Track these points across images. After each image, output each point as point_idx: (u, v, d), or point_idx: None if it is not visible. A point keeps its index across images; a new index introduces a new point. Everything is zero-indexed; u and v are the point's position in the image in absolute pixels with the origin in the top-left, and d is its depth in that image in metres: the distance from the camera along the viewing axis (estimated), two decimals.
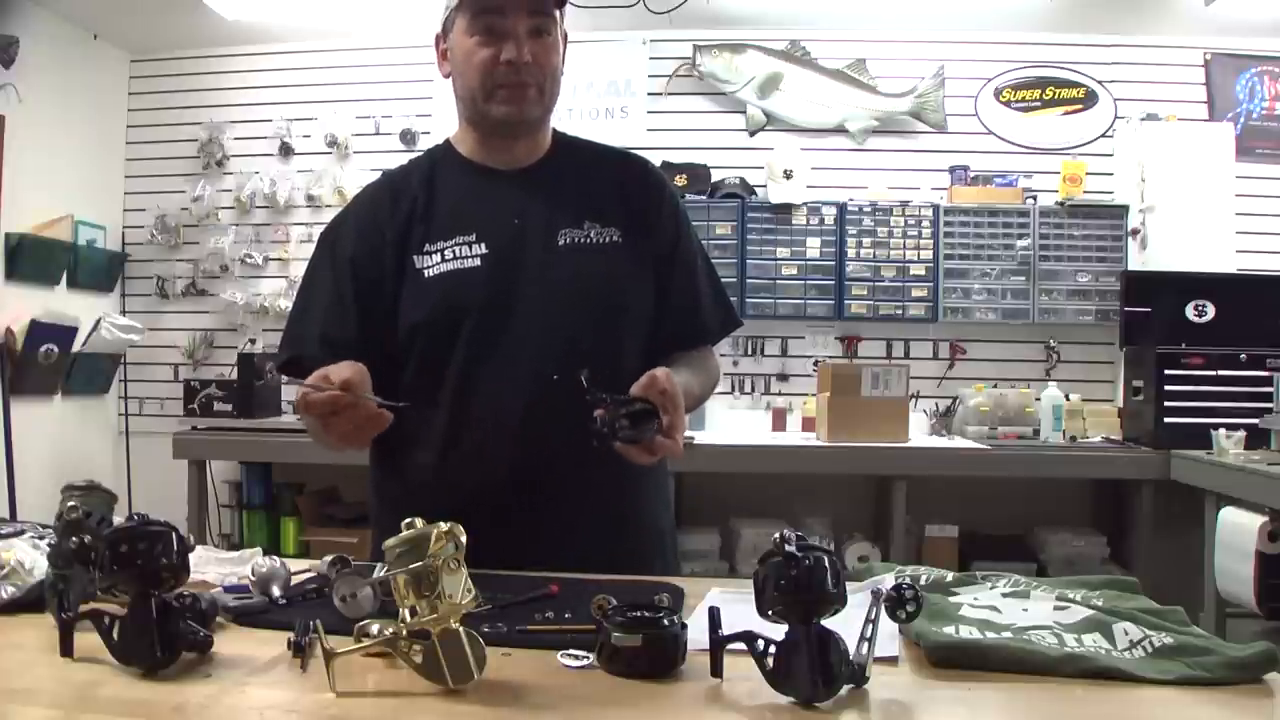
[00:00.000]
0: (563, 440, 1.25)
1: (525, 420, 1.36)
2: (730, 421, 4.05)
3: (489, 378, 1.38)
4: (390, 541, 0.90)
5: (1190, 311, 3.69)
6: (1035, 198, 4.06)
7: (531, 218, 1.44)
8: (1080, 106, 4.14)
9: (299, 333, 1.49)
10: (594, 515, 1.40)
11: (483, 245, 1.41)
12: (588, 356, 1.34)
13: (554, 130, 1.54)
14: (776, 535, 0.88)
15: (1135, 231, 3.92)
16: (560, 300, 1.41)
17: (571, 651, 0.96)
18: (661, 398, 1.23)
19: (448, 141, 1.55)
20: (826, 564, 0.86)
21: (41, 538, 1.24)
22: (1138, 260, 3.91)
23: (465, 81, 1.43)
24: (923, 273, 4.04)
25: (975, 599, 1.11)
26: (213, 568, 1.28)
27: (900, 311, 4.05)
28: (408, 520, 0.90)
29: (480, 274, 1.40)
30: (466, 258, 1.41)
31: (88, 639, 0.93)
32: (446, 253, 1.41)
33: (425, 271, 1.41)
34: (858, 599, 0.92)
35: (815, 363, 4.03)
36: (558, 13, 1.42)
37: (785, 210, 4.05)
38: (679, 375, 1.37)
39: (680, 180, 3.98)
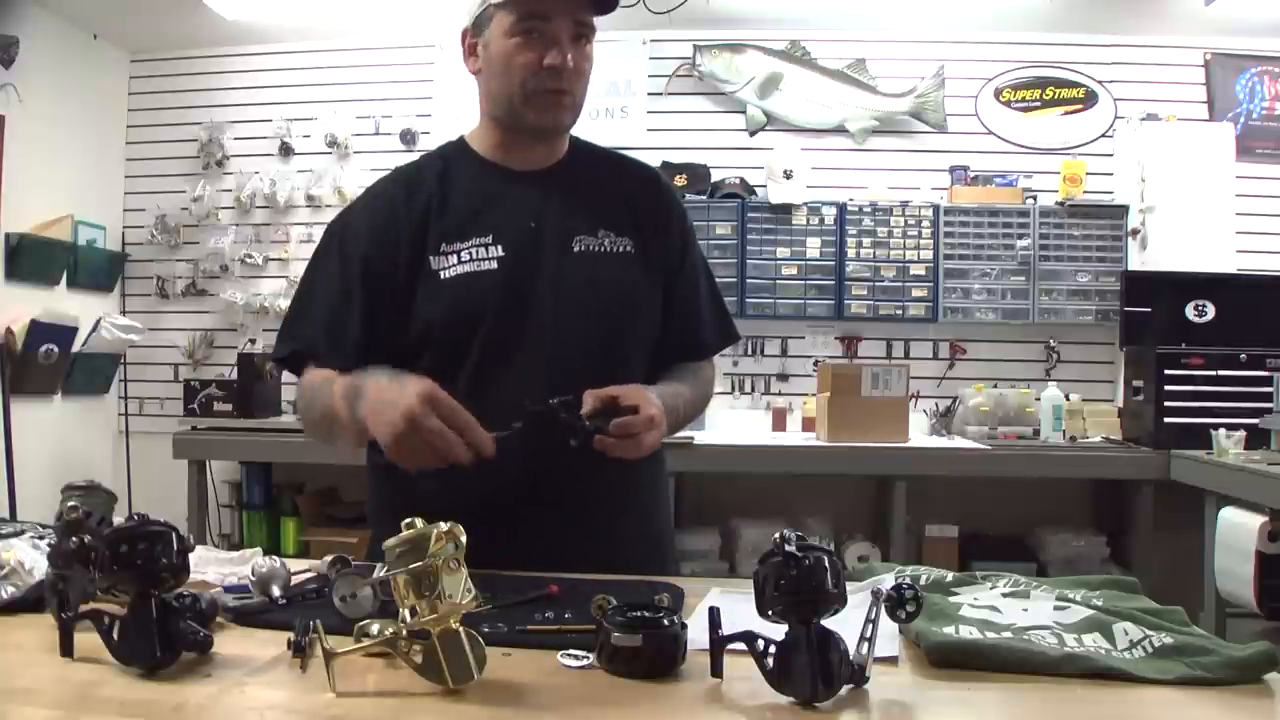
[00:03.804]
0: (570, 448, 1.25)
1: None
2: (730, 421, 4.05)
3: (501, 382, 1.37)
4: (390, 541, 0.90)
5: (1190, 311, 3.69)
6: (1035, 198, 4.06)
7: (548, 222, 1.44)
8: (1080, 106, 4.14)
9: (302, 326, 1.47)
10: (596, 523, 1.38)
11: (499, 248, 1.41)
12: (595, 365, 1.34)
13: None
14: (776, 535, 0.88)
15: (1135, 231, 3.92)
16: (574, 307, 1.41)
17: (571, 651, 0.96)
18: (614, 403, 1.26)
19: (462, 139, 1.53)
20: (826, 564, 0.86)
21: (41, 538, 1.24)
22: (1138, 260, 3.91)
23: (502, 83, 1.41)
24: (923, 273, 4.04)
25: (975, 599, 1.11)
26: (213, 568, 1.28)
27: (900, 311, 4.05)
28: (408, 520, 0.90)
29: (496, 277, 1.39)
30: (483, 260, 1.40)
31: (88, 639, 0.93)
32: (463, 254, 1.40)
33: (441, 273, 1.40)
34: (858, 599, 0.92)
35: (815, 363, 4.03)
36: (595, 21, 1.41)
37: (785, 210, 4.05)
38: (662, 388, 1.40)
39: (680, 180, 3.98)
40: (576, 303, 1.41)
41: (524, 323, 1.39)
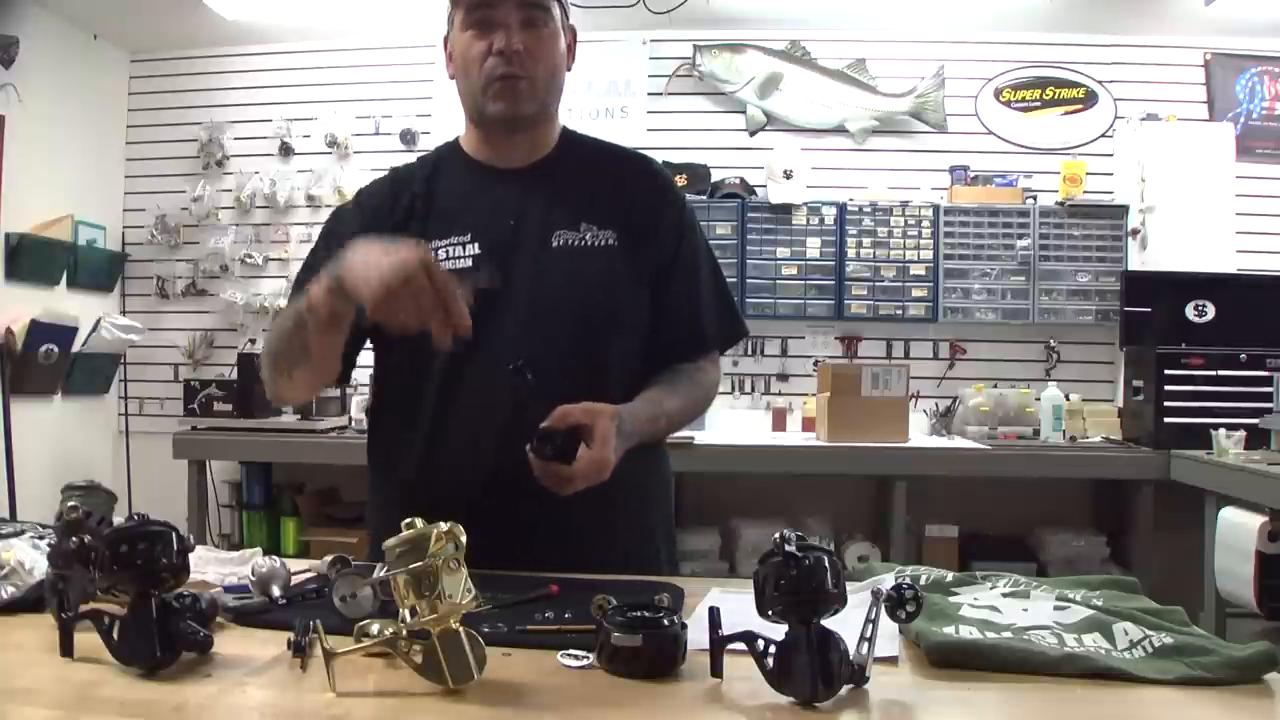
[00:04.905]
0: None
1: (511, 421, 1.31)
2: (730, 421, 4.05)
3: (474, 377, 1.37)
4: (390, 541, 0.90)
5: (1190, 311, 3.70)
6: (1035, 198, 4.06)
7: (528, 218, 1.43)
8: (1080, 106, 4.14)
9: None
10: (579, 518, 1.33)
11: (475, 246, 1.41)
12: (574, 361, 1.33)
13: (563, 128, 1.52)
14: (776, 535, 0.88)
15: (1135, 231, 3.92)
16: (550, 303, 1.40)
17: (571, 651, 0.96)
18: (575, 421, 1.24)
19: (456, 140, 1.54)
20: (826, 564, 0.86)
21: (41, 538, 1.24)
22: (1138, 260, 3.91)
23: (464, 77, 1.43)
24: (923, 273, 4.04)
25: (975, 599, 1.11)
26: (213, 568, 1.28)
27: (900, 311, 4.05)
28: (407, 520, 0.90)
29: (470, 275, 1.38)
30: (459, 258, 1.40)
31: (88, 639, 0.93)
32: (440, 253, 1.40)
33: None
34: (858, 599, 0.92)
35: (815, 363, 4.03)
36: (555, 6, 1.41)
37: (785, 210, 4.05)
38: (644, 400, 1.38)
39: (680, 180, 3.98)
40: (553, 298, 1.40)
41: (498, 320, 1.38)
